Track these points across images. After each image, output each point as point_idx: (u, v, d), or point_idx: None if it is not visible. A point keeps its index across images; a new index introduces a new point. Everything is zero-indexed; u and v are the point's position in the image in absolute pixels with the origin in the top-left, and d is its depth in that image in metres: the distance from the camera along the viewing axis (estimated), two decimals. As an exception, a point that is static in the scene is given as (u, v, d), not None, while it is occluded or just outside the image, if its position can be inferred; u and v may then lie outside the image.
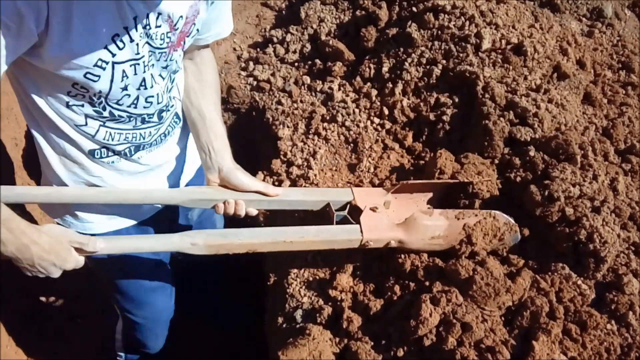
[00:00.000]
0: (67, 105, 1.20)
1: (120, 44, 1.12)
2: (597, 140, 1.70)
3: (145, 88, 1.25)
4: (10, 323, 2.16)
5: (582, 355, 1.26)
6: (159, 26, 1.16)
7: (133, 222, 1.52)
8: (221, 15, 1.37)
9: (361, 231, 1.43)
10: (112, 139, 1.30)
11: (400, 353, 1.34)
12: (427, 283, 1.44)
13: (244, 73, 2.30)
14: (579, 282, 1.39)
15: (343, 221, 1.50)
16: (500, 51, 1.94)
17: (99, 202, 1.37)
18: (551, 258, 1.46)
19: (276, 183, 1.85)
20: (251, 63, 2.32)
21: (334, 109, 1.99)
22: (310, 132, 1.95)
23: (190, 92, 1.45)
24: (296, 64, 2.27)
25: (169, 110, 1.39)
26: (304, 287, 1.60)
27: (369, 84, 2.06)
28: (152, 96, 1.28)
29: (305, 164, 1.86)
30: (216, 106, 1.49)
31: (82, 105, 1.21)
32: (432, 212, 1.50)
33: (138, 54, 1.16)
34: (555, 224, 1.48)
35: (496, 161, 1.70)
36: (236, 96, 2.22)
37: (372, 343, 1.39)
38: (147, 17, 1.12)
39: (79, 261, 1.23)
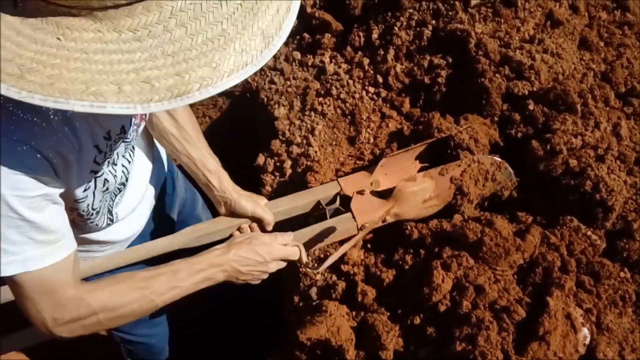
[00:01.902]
0: None
1: (103, 149, 1.16)
2: (596, 86, 1.67)
3: (124, 166, 1.31)
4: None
5: (597, 306, 1.27)
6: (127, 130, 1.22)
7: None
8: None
9: (354, 217, 1.45)
10: (97, 226, 1.33)
11: (417, 321, 1.36)
12: (436, 249, 1.44)
13: (233, 55, 2.27)
14: (589, 233, 1.39)
15: (336, 213, 1.53)
16: (489, 5, 1.89)
17: (109, 268, 1.42)
18: (559, 212, 1.45)
19: (277, 164, 1.84)
20: (239, 44, 2.29)
21: (328, 83, 1.97)
22: (306, 108, 1.93)
23: (171, 139, 1.49)
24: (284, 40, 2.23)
25: (133, 162, 1.40)
26: (316, 264, 1.61)
27: (360, 53, 2.02)
28: (126, 167, 1.32)
29: (305, 141, 1.85)
30: (200, 142, 1.53)
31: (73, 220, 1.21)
32: (415, 177, 1.51)
33: (111, 154, 1.21)
34: (560, 177, 1.47)
35: (496, 118, 1.68)
36: (228, 80, 2.19)
37: (388, 314, 1.41)
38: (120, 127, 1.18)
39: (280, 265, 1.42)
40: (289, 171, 1.82)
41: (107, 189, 1.26)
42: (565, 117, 1.53)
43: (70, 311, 1.10)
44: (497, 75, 1.69)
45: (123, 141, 1.24)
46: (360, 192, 1.51)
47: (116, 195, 1.35)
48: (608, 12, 2.05)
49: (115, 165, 1.26)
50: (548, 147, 1.48)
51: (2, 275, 1.01)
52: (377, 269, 1.50)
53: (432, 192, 1.48)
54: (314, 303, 1.54)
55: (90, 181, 1.17)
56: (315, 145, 1.82)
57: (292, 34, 2.23)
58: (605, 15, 2.03)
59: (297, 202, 1.58)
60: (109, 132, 1.16)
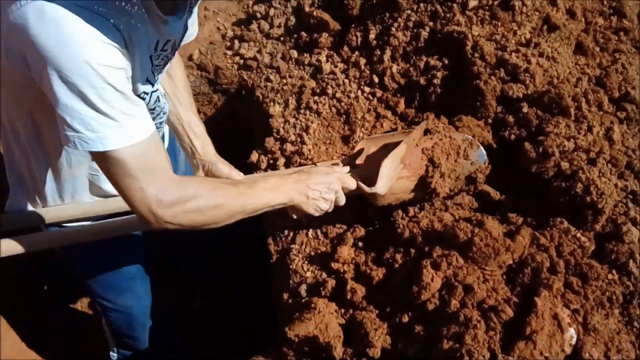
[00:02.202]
0: None
1: (156, 76, 1.24)
2: (590, 90, 1.68)
3: (160, 100, 1.37)
4: (10, 314, 2.20)
5: (584, 306, 1.27)
6: (166, 50, 1.26)
7: None
8: (194, 19, 1.42)
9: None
10: None
11: (405, 319, 1.36)
12: (426, 249, 1.44)
13: (229, 52, 2.28)
14: (578, 234, 1.39)
15: None
16: (487, 7, 1.90)
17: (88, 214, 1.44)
18: (549, 213, 1.46)
19: (271, 162, 1.84)
20: (236, 41, 2.30)
21: (324, 82, 1.97)
22: (302, 107, 1.94)
23: (166, 97, 1.50)
24: (282, 38, 2.24)
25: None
26: (306, 262, 1.62)
27: (356, 52, 2.03)
28: (163, 106, 1.40)
29: (299, 139, 1.85)
30: (191, 106, 1.58)
31: None
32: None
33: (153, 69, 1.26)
34: (552, 179, 1.47)
35: (490, 121, 1.68)
36: (224, 77, 2.20)
37: (377, 311, 1.41)
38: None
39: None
40: (282, 169, 1.83)
41: (154, 111, 1.33)
42: (559, 121, 1.54)
43: (172, 193, 1.12)
44: (492, 77, 1.69)
45: (155, 65, 1.25)
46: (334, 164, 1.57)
47: None
48: (604, 18, 2.06)
49: (153, 90, 1.31)
50: (540, 149, 1.49)
51: (108, 149, 1.03)
52: (367, 267, 1.50)
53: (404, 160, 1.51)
54: (303, 300, 1.54)
55: (144, 85, 1.22)
56: (309, 144, 1.82)
57: (290, 33, 2.25)
58: (601, 20, 2.04)
59: None
60: (157, 43, 1.19)
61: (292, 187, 1.33)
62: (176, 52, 1.39)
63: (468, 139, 1.53)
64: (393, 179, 1.48)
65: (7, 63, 1.05)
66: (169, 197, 1.11)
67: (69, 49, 0.94)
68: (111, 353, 2.08)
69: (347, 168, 1.47)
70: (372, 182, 1.46)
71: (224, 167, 1.55)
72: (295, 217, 1.43)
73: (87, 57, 0.95)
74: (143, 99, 1.24)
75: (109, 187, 1.44)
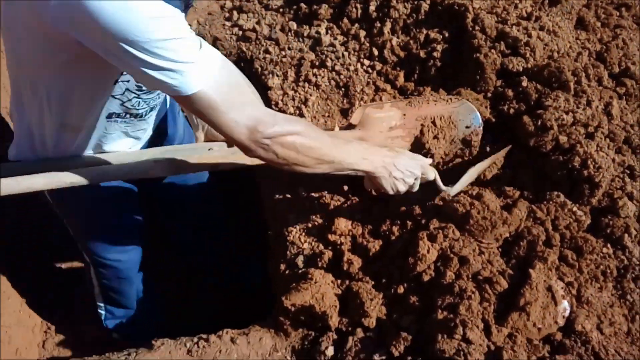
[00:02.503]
0: (115, 82, 1.26)
1: None
2: (590, 65, 1.67)
3: None
4: (25, 287, 2.22)
5: (578, 279, 1.28)
6: None
7: None
8: None
9: None
10: (138, 105, 1.38)
11: (401, 290, 1.37)
12: (423, 221, 1.45)
13: (228, 23, 2.25)
14: (574, 208, 1.40)
15: None
16: (489, -20, 1.88)
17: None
18: (546, 187, 1.46)
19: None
20: (235, 12, 2.27)
21: (323, 54, 1.95)
22: (301, 79, 1.92)
23: None
24: (281, 9, 2.21)
25: None
26: (303, 233, 1.62)
27: (356, 25, 2.01)
28: None
29: (297, 112, 1.85)
30: None
31: (128, 81, 1.28)
32: (382, 105, 1.56)
33: None
34: (550, 152, 1.47)
35: (489, 94, 1.68)
36: (222, 48, 2.17)
37: (373, 282, 1.42)
38: None
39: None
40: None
41: None
42: (558, 95, 1.53)
43: (269, 125, 1.15)
44: (492, 50, 1.68)
45: None
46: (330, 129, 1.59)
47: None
48: (607, -7, 2.04)
49: None
50: (539, 122, 1.48)
51: (189, 91, 1.07)
52: (364, 239, 1.51)
53: (398, 120, 1.53)
54: (300, 271, 1.55)
55: None
56: (307, 116, 1.81)
57: (289, 4, 2.22)
58: (604, -5, 2.02)
59: None
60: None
61: (380, 160, 1.36)
62: None
63: (463, 102, 1.54)
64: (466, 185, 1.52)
65: (49, 27, 1.05)
66: (266, 129, 1.15)
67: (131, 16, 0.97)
68: (99, 309, 2.11)
69: (430, 160, 1.50)
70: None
71: None
72: (368, 188, 1.46)
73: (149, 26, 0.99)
74: None
75: (111, 148, 1.48)
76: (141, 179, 1.50)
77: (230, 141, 1.18)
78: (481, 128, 1.55)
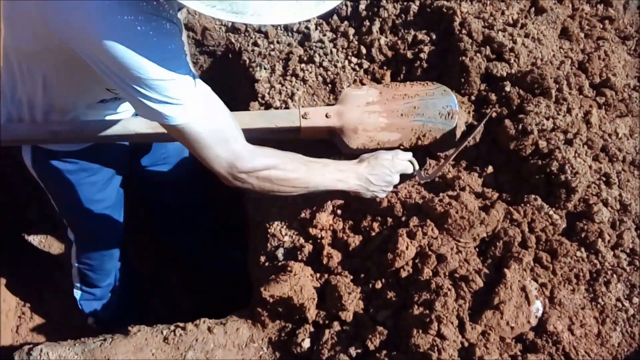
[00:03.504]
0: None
1: None
2: (572, 74, 1.71)
3: None
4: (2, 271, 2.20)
5: (552, 281, 1.32)
6: None
7: None
8: None
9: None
10: None
11: (379, 285, 1.39)
12: (403, 219, 1.47)
13: (218, 14, 2.25)
14: (551, 212, 1.43)
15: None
16: (477, -14, 1.91)
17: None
18: (524, 190, 1.49)
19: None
20: (225, 4, 2.27)
21: (311, 49, 1.96)
22: (288, 73, 1.93)
23: None
24: (272, 3, 2.21)
25: None
26: (284, 226, 1.63)
27: (346, 22, 2.02)
28: None
29: (284, 106, 1.85)
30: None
31: None
32: (361, 86, 1.69)
33: None
34: (529, 157, 1.50)
35: (473, 97, 1.70)
36: (211, 38, 2.17)
37: (352, 277, 1.44)
38: None
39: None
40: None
41: None
42: (540, 101, 1.57)
43: (246, 161, 1.27)
44: (478, 54, 1.71)
45: None
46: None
47: None
48: (591, 6, 2.08)
49: None
50: (520, 127, 1.52)
51: (178, 122, 1.16)
52: (344, 234, 1.53)
53: (376, 97, 1.61)
54: (279, 263, 1.56)
55: None
56: (293, 110, 1.82)
57: (280, -1, 2.22)
58: (588, 8, 2.06)
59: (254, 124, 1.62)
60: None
61: (355, 179, 1.45)
62: None
63: (439, 85, 1.63)
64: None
65: (56, 38, 1.13)
66: (243, 166, 1.26)
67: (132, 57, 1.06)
68: (75, 290, 2.09)
69: (410, 154, 1.55)
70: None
71: None
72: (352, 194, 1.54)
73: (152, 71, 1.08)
74: None
75: None
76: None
77: (211, 171, 1.29)
78: (457, 109, 1.59)
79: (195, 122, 1.17)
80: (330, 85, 1.88)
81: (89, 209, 1.78)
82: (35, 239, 2.46)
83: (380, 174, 1.46)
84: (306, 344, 1.38)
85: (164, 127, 1.23)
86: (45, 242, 2.46)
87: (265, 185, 1.33)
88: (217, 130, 1.22)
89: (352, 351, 1.31)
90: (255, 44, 2.05)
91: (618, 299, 1.31)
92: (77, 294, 2.10)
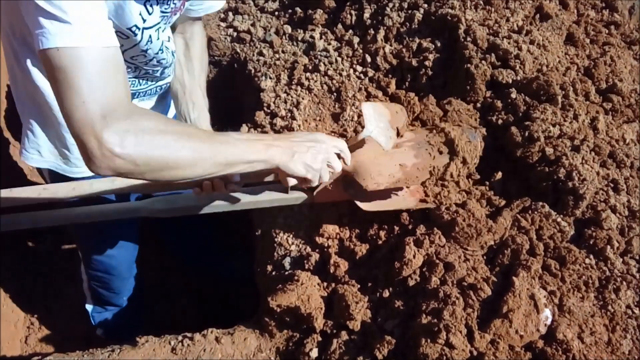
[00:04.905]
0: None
1: (150, 9, 1.18)
2: (578, 80, 1.71)
3: (162, 51, 1.33)
4: (8, 281, 2.20)
5: (561, 289, 1.30)
6: None
7: None
8: None
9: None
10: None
11: (386, 294, 1.39)
12: (410, 227, 1.46)
13: (223, 24, 2.26)
14: (559, 219, 1.42)
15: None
16: (482, -7, 1.91)
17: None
18: (532, 197, 1.48)
19: (260, 135, 1.84)
20: (230, 13, 2.28)
21: (316, 58, 1.97)
22: (293, 82, 1.94)
23: (176, 65, 1.50)
24: (276, 12, 2.23)
25: (170, 67, 1.45)
26: (291, 235, 1.63)
27: (350, 31, 2.03)
28: (164, 58, 1.36)
29: (289, 114, 1.86)
30: (199, 79, 1.53)
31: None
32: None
33: (158, 19, 1.24)
34: (536, 164, 1.50)
35: (478, 105, 1.70)
36: (216, 48, 2.19)
37: (359, 286, 1.43)
38: None
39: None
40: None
41: (146, 55, 1.30)
42: (546, 107, 1.56)
43: (121, 114, 0.94)
44: (483, 62, 1.71)
45: (162, 12, 1.25)
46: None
47: (145, 74, 1.40)
48: (596, 11, 2.08)
49: (160, 38, 1.29)
50: (526, 134, 1.51)
51: (51, 46, 0.89)
52: (351, 243, 1.53)
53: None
54: (286, 272, 1.56)
55: (139, 29, 1.19)
56: (299, 119, 1.82)
57: (284, 8, 2.23)
58: (593, 13, 2.06)
59: None
60: None
61: (272, 143, 1.15)
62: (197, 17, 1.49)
63: (465, 129, 1.55)
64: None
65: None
66: (117, 118, 0.93)
67: None
68: (87, 304, 2.10)
69: (342, 141, 1.32)
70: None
71: None
72: (291, 185, 1.25)
73: None
74: (134, 32, 1.18)
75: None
76: None
77: (74, 137, 0.95)
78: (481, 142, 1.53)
79: (71, 48, 0.90)
80: (335, 94, 1.88)
81: (100, 231, 1.75)
82: (44, 249, 2.47)
83: (305, 137, 1.21)
84: (314, 353, 1.37)
85: (38, 55, 0.94)
86: (54, 252, 2.47)
87: (153, 152, 0.97)
88: (99, 70, 0.92)
89: (360, 361, 1.30)
90: (260, 53, 2.06)
91: (628, 306, 1.30)
92: (89, 307, 2.10)
